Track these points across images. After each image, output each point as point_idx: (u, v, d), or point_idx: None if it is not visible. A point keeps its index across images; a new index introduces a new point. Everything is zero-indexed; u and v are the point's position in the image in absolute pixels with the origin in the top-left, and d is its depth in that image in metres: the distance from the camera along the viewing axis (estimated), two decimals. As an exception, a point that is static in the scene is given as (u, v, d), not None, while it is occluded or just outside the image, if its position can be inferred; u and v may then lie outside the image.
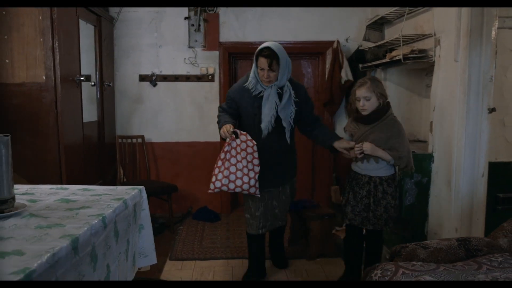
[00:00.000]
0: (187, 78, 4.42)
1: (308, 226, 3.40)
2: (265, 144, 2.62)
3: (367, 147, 2.51)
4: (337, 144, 2.64)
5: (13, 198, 1.43)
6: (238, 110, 2.70)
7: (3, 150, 1.37)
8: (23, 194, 1.73)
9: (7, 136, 1.39)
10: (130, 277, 1.74)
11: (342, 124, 4.56)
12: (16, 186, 1.48)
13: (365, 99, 2.52)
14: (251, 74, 2.60)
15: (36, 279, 0.95)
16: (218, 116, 2.74)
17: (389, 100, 2.62)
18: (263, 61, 2.48)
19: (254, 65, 2.58)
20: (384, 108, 2.54)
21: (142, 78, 4.42)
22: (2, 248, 1.07)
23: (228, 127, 2.48)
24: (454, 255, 1.85)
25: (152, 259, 1.94)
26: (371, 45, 3.98)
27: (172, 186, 4.01)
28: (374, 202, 2.56)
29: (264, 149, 2.60)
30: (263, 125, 2.59)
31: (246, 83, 2.62)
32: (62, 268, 1.08)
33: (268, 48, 2.49)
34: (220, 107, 2.80)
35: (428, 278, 1.48)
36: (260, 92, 2.58)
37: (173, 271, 3.14)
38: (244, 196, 2.78)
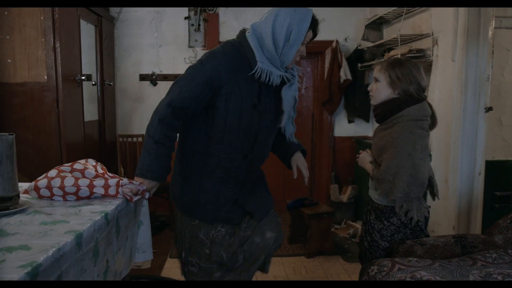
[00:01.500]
0: (187, 77, 4.44)
1: (307, 224, 3.43)
2: (260, 155, 1.78)
3: (360, 156, 1.95)
4: (292, 159, 1.85)
5: (18, 195, 1.46)
6: (207, 104, 1.64)
7: (7, 148, 1.40)
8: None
9: (12, 135, 1.42)
10: (125, 271, 1.77)
11: (341, 123, 4.60)
12: (19, 184, 1.51)
13: (374, 81, 1.89)
14: (259, 55, 1.59)
15: (42, 272, 0.98)
16: (156, 131, 1.61)
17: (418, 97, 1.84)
18: (309, 35, 1.67)
19: (281, 39, 1.58)
20: (399, 103, 1.81)
21: (143, 77, 4.45)
22: (9, 243, 1.10)
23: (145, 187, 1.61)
24: (450, 251, 1.88)
25: (149, 255, 1.95)
26: (370, 44, 4.02)
27: (172, 185, 4.04)
28: (365, 231, 1.99)
29: (256, 163, 1.80)
30: (285, 124, 1.75)
31: (237, 60, 1.62)
32: (67, 262, 1.11)
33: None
34: (170, 106, 1.64)
35: (423, 273, 1.51)
36: (277, 78, 1.63)
37: (173, 268, 3.17)
38: (192, 234, 1.79)
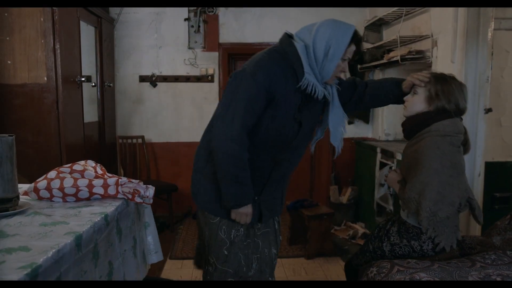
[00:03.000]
0: (187, 78, 4.45)
1: (307, 225, 3.43)
2: (290, 160, 1.75)
3: (389, 176, 1.86)
4: (406, 83, 1.79)
5: (18, 197, 1.46)
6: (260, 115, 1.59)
7: (7, 149, 1.40)
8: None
9: (12, 136, 1.43)
10: (142, 273, 1.77)
11: (340, 124, 4.59)
12: (19, 185, 1.51)
13: (412, 94, 1.77)
14: (306, 66, 1.55)
15: (42, 274, 0.98)
16: (236, 160, 1.55)
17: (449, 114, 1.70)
18: (351, 50, 1.59)
19: (320, 53, 1.55)
20: (427, 117, 1.70)
21: (142, 78, 4.45)
22: (9, 245, 1.10)
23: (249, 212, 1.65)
24: (449, 253, 1.88)
25: (160, 255, 1.96)
26: (370, 46, 4.02)
27: (172, 186, 4.04)
28: (375, 235, 1.91)
29: (287, 168, 1.78)
30: (336, 143, 1.74)
31: (285, 69, 1.56)
32: (66, 264, 1.11)
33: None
34: (244, 128, 1.54)
35: (422, 275, 1.51)
36: (321, 92, 1.60)
37: (173, 270, 3.17)
38: (211, 233, 1.73)
